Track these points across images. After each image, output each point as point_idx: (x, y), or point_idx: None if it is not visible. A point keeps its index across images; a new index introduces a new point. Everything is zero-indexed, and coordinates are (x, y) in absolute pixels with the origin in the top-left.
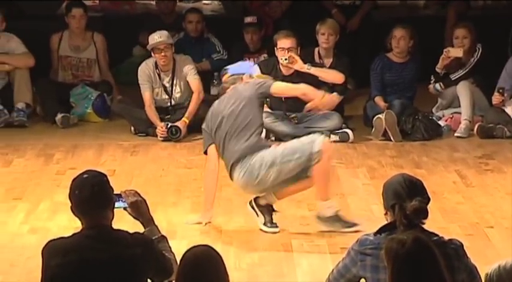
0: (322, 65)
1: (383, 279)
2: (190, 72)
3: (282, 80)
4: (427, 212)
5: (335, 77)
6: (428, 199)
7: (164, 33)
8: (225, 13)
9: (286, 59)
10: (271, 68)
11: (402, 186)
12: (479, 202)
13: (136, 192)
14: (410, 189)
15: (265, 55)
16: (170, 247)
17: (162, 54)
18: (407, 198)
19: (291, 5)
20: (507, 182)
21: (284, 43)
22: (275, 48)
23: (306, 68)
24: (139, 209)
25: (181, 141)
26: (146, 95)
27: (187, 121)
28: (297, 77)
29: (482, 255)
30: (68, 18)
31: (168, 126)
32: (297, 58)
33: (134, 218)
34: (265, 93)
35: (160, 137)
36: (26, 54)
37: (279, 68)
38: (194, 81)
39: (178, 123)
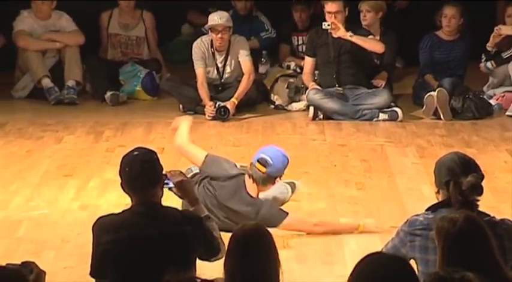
0: (367, 33)
1: (432, 260)
2: (243, 53)
3: (333, 43)
4: (482, 188)
5: (375, 46)
6: (483, 176)
7: (225, 15)
8: None
9: (328, 25)
10: (320, 33)
11: (456, 163)
12: None
13: (181, 172)
14: (465, 166)
15: None
16: (216, 226)
17: (219, 35)
18: (462, 174)
19: None
20: None
21: (330, 7)
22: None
23: (348, 35)
24: (185, 188)
25: (230, 120)
26: (199, 72)
27: (236, 102)
28: (346, 40)
29: None
30: None
31: (217, 106)
32: (340, 25)
33: (180, 197)
34: (269, 225)
35: (209, 116)
36: (76, 32)
37: (329, 31)
38: (246, 62)
39: (227, 104)
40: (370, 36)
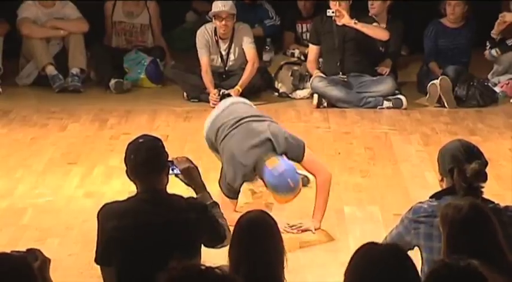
0: (372, 20)
1: (437, 248)
2: (246, 41)
3: (337, 30)
4: (486, 175)
5: (379, 33)
6: (486, 162)
7: (229, 2)
8: None
9: (333, 12)
10: (325, 21)
11: (460, 150)
12: None
13: (187, 158)
14: (468, 153)
15: None
16: (222, 213)
17: (223, 23)
18: (465, 161)
19: None
20: None
21: None
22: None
23: (352, 22)
24: (191, 175)
25: None
26: (204, 59)
27: (240, 90)
28: (350, 28)
29: None
30: None
31: (222, 93)
32: (344, 12)
33: (186, 184)
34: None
35: (213, 104)
36: (80, 19)
37: (334, 18)
38: (250, 50)
39: (231, 91)
40: (375, 24)
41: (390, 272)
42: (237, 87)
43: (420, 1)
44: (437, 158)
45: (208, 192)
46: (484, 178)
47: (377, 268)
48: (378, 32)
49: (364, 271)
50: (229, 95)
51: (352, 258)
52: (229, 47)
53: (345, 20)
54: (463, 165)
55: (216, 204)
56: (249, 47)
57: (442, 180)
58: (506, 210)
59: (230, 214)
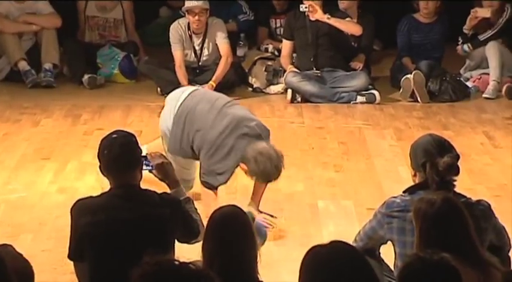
0: (345, 15)
1: (409, 242)
2: (220, 36)
3: (310, 26)
4: (459, 168)
5: (352, 28)
6: (458, 156)
7: None
8: None
9: (306, 8)
10: (298, 16)
11: (431, 144)
12: (507, 163)
13: (161, 154)
14: (440, 147)
15: None
16: (196, 209)
17: (197, 18)
18: (438, 155)
19: None
20: None
21: None
22: None
23: (325, 18)
24: (165, 170)
25: None
26: (177, 54)
27: (214, 85)
28: (323, 23)
29: (510, 216)
30: None
31: None
32: (317, 8)
33: (160, 180)
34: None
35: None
36: (53, 14)
37: (307, 14)
38: (224, 45)
39: (205, 86)
40: (348, 19)
41: (339, 269)
42: (211, 82)
43: None
44: (409, 152)
45: (182, 188)
46: (456, 171)
47: (326, 268)
48: (350, 26)
49: (314, 272)
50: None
51: (302, 262)
52: (203, 42)
53: (318, 15)
54: (435, 159)
55: (189, 199)
56: (222, 42)
57: (415, 175)
58: (477, 204)
59: (217, 204)
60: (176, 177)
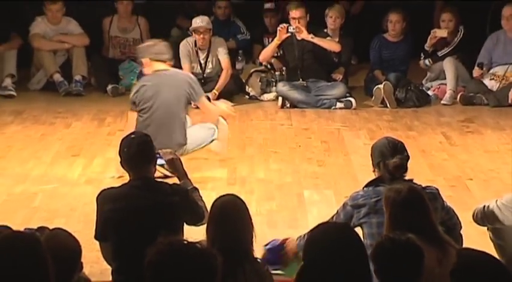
0: (326, 35)
1: (375, 223)
2: (222, 52)
3: (297, 44)
4: (406, 168)
5: (332, 46)
6: (408, 157)
7: (205, 18)
8: (247, 0)
9: (293, 29)
10: (287, 36)
11: (386, 147)
12: (461, 159)
13: (171, 151)
14: (393, 149)
15: None
16: (201, 196)
17: (201, 36)
18: (390, 156)
19: None
20: (485, 142)
21: (294, 13)
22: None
23: (310, 37)
24: (175, 165)
25: None
26: (185, 66)
27: (216, 93)
28: (308, 41)
29: (463, 202)
30: (117, 4)
31: None
32: (303, 29)
33: (171, 172)
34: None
35: (193, 106)
36: (82, 34)
37: (294, 34)
38: (225, 60)
39: (209, 94)
40: (328, 38)
41: (339, 242)
42: (214, 90)
43: (366, 18)
44: (370, 153)
45: (190, 179)
46: (404, 170)
47: (329, 240)
48: (331, 45)
49: (319, 243)
50: (207, 98)
51: (309, 235)
52: (207, 57)
53: (304, 35)
54: (387, 159)
55: (196, 189)
56: (223, 57)
57: (374, 170)
58: (427, 188)
59: None
60: (184, 170)
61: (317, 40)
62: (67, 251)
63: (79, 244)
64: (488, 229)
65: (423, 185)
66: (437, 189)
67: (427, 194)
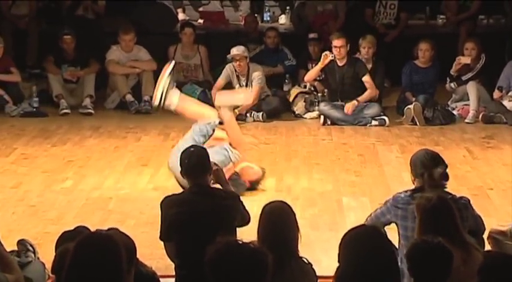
0: (364, 66)
1: (410, 227)
2: (256, 79)
3: (338, 69)
4: (448, 176)
5: (372, 96)
6: (446, 166)
7: (241, 48)
8: (294, 30)
9: (334, 56)
10: (330, 62)
11: (426, 158)
12: (482, 171)
13: (215, 163)
14: (434, 160)
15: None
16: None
17: (238, 63)
18: (433, 166)
19: (344, 23)
20: (503, 156)
21: (336, 42)
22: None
23: (355, 104)
24: (218, 175)
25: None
26: (219, 82)
27: (237, 112)
28: (348, 67)
29: (484, 209)
30: (181, 35)
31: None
32: (349, 106)
33: (214, 181)
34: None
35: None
36: (151, 60)
37: (336, 60)
38: (255, 86)
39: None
40: (366, 77)
41: (370, 244)
42: (236, 110)
43: (399, 46)
44: (409, 163)
45: (230, 187)
46: (447, 178)
47: (360, 242)
48: (370, 96)
49: (352, 244)
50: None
51: (343, 238)
52: (247, 81)
53: (350, 109)
54: (431, 170)
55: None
56: (255, 85)
57: (414, 180)
58: (461, 199)
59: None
60: (226, 179)
61: (361, 98)
62: (126, 247)
63: (133, 241)
64: (488, 238)
65: (458, 196)
66: (468, 200)
67: (460, 204)
